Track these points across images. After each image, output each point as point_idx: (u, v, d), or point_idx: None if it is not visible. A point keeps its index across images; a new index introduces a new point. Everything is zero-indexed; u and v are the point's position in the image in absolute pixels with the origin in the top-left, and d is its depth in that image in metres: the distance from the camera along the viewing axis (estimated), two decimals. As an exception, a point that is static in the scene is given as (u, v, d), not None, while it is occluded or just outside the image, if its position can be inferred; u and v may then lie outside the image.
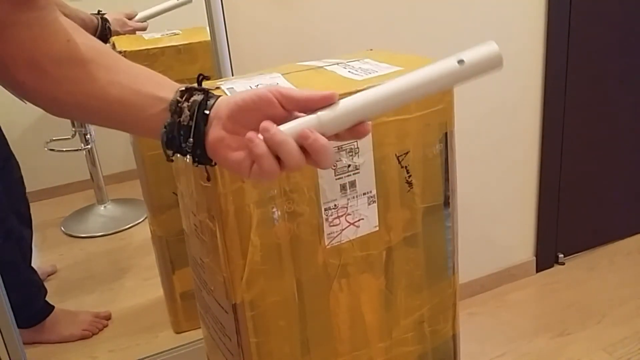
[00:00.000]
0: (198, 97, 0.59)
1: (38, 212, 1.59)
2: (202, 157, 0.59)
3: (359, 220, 0.96)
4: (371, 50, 1.17)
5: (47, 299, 1.57)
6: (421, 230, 1.04)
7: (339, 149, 0.91)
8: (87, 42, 0.60)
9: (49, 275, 1.70)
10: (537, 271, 2.04)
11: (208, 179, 0.83)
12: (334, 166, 0.92)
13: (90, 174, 1.69)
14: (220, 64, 1.30)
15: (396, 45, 1.52)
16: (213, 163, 0.60)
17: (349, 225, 0.96)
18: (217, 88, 0.89)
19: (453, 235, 1.09)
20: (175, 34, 1.48)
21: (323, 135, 0.55)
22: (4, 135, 1.43)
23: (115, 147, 1.69)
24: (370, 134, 0.93)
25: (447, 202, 1.05)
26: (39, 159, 1.60)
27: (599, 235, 2.14)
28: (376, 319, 1.04)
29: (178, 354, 1.48)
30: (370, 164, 0.95)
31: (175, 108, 0.58)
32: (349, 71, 0.97)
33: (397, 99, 0.57)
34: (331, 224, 0.94)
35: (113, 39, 1.40)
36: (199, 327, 1.21)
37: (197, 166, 0.61)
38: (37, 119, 1.57)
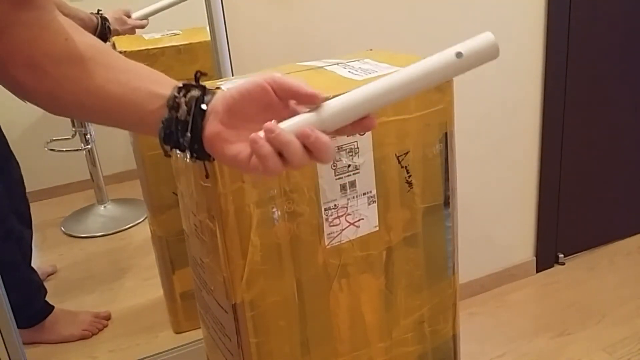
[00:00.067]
0: (195, 92, 0.59)
1: (38, 212, 1.59)
2: (200, 152, 0.59)
3: (359, 220, 0.96)
4: (371, 50, 1.17)
5: (47, 299, 1.57)
6: (421, 230, 1.04)
7: (339, 148, 0.91)
8: (86, 40, 0.60)
9: (48, 275, 1.70)
10: (537, 271, 2.04)
11: (207, 176, 0.83)
12: (334, 166, 0.92)
13: (90, 174, 1.69)
14: (220, 64, 1.30)
15: (396, 45, 1.52)
16: (211, 159, 0.60)
17: (349, 225, 0.96)
18: (218, 88, 0.89)
19: (453, 235, 1.09)
20: (175, 34, 1.48)
21: (324, 131, 0.55)
22: (4, 135, 1.43)
23: (115, 147, 1.69)
24: (370, 134, 0.93)
25: (447, 202, 1.05)
26: (39, 159, 1.60)
27: (599, 235, 2.14)
28: (376, 319, 1.04)
29: (178, 354, 1.48)
30: (370, 164, 0.95)
31: (173, 104, 0.58)
32: (349, 71, 0.97)
33: (395, 93, 0.57)
34: (331, 224, 0.94)
35: (113, 39, 1.41)
36: (199, 327, 1.21)
37: (195, 162, 0.61)
38: (37, 119, 1.57)
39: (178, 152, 0.61)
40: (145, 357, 1.47)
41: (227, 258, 0.88)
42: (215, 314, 1.02)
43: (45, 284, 1.62)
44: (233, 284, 0.90)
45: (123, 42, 1.41)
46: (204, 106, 0.58)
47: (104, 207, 1.76)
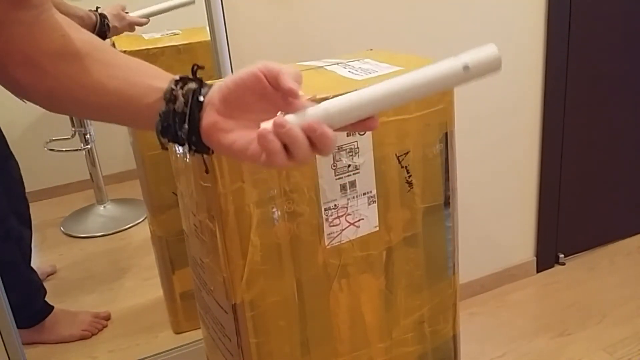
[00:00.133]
0: (192, 85, 0.59)
1: (38, 212, 1.59)
2: (197, 144, 0.59)
3: (359, 220, 0.96)
4: (371, 50, 1.17)
5: (46, 299, 1.57)
6: (421, 230, 1.04)
7: (339, 148, 0.91)
8: (82, 37, 0.60)
9: (48, 276, 1.70)
10: (538, 271, 2.03)
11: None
12: (334, 166, 0.92)
13: (90, 174, 1.69)
14: (220, 64, 1.30)
15: (396, 45, 1.52)
16: (210, 151, 0.60)
17: (349, 225, 0.96)
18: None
19: (453, 235, 1.09)
20: (175, 34, 1.48)
21: (329, 127, 0.55)
22: (3, 135, 1.43)
23: (115, 147, 1.69)
24: (370, 134, 0.93)
25: (447, 202, 1.05)
26: (39, 159, 1.59)
27: (599, 235, 2.14)
28: (376, 319, 1.04)
29: (178, 354, 1.48)
30: (370, 164, 0.94)
31: (170, 96, 0.58)
32: (349, 71, 0.97)
33: (402, 96, 0.57)
34: (331, 224, 0.94)
35: (113, 38, 1.40)
36: (199, 328, 1.21)
37: (193, 155, 0.61)
38: (37, 118, 1.57)
39: (177, 147, 0.61)
40: (145, 357, 1.47)
41: (227, 258, 0.88)
42: (215, 314, 1.02)
43: (45, 284, 1.61)
44: (233, 284, 0.89)
45: (123, 42, 1.41)
46: (201, 98, 0.58)
47: (104, 207, 1.76)
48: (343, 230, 0.95)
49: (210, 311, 1.05)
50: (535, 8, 1.71)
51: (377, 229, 0.98)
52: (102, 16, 1.35)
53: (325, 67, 1.01)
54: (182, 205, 1.07)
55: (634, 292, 1.90)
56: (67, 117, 1.55)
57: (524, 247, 2.00)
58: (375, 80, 0.91)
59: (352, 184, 0.94)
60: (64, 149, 1.59)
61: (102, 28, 1.35)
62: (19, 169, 1.50)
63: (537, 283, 2.00)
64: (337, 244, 0.95)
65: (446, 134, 1.01)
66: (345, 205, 0.94)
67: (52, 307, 1.56)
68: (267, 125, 0.54)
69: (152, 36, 1.46)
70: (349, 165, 0.93)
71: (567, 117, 1.88)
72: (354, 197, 0.94)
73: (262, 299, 0.92)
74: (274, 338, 0.95)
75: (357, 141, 0.92)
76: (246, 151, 0.56)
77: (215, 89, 0.58)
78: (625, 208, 2.16)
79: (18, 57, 0.57)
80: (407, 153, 0.98)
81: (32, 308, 1.54)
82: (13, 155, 1.48)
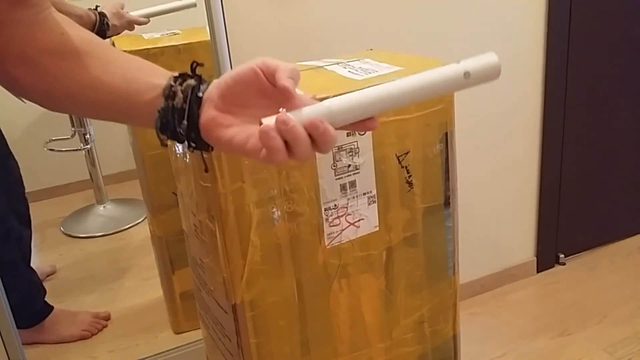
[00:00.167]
0: (191, 81, 0.59)
1: (37, 212, 1.59)
2: (197, 140, 0.59)
3: (359, 220, 0.96)
4: (371, 50, 1.17)
5: (46, 299, 1.57)
6: (421, 230, 1.04)
7: (339, 148, 0.91)
8: (81, 35, 0.60)
9: (48, 276, 1.70)
10: (538, 271, 2.03)
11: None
12: (334, 166, 0.91)
13: (90, 174, 1.69)
14: (220, 64, 1.30)
15: (396, 45, 1.52)
16: (210, 148, 0.60)
17: (349, 226, 0.95)
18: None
19: (453, 235, 1.09)
20: (175, 34, 1.48)
21: (331, 125, 0.55)
22: (3, 135, 1.43)
23: (115, 147, 1.69)
24: (370, 134, 0.93)
25: (447, 202, 1.05)
26: (39, 159, 1.59)
27: (600, 235, 2.14)
28: (376, 319, 1.04)
29: (178, 355, 1.48)
30: (371, 164, 0.94)
31: (169, 92, 0.58)
32: (349, 71, 0.97)
33: (403, 98, 0.58)
34: (331, 224, 0.94)
35: (113, 38, 1.40)
36: (199, 328, 1.21)
37: (193, 152, 0.61)
38: (37, 118, 1.57)
39: (177, 147, 0.61)
40: (145, 358, 1.47)
41: (227, 258, 0.88)
42: (215, 315, 1.02)
43: (45, 284, 1.61)
44: (233, 284, 0.89)
45: (123, 42, 1.41)
46: (199, 94, 0.58)
47: (104, 207, 1.76)
48: (343, 230, 0.95)
49: (210, 311, 1.05)
50: (535, 8, 1.71)
51: (377, 229, 0.98)
52: (102, 15, 1.35)
53: (325, 67, 1.01)
54: (182, 205, 1.06)
55: (634, 292, 1.90)
56: (67, 117, 1.55)
57: (524, 247, 2.00)
58: (375, 80, 0.91)
59: (352, 184, 0.94)
60: (63, 149, 1.59)
61: (101, 27, 1.35)
62: (18, 168, 1.50)
63: (537, 283, 2.00)
64: (337, 244, 0.95)
65: (446, 134, 1.01)
66: (345, 205, 0.94)
67: (52, 307, 1.56)
68: (269, 121, 0.54)
69: (152, 36, 1.46)
70: (349, 165, 0.92)
71: (567, 117, 1.88)
72: (354, 197, 0.94)
73: (262, 299, 0.92)
74: (274, 338, 0.95)
75: (357, 141, 0.92)
76: (245, 145, 0.55)
77: (214, 85, 0.58)
78: (625, 208, 2.16)
79: (17, 56, 0.57)
80: (407, 153, 0.98)
81: (32, 308, 1.54)
82: (12, 155, 1.48)
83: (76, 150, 1.60)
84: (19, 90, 0.60)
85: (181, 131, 0.58)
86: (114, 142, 1.67)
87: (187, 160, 0.94)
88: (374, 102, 0.57)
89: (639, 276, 1.98)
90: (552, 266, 2.06)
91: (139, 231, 1.72)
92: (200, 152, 0.63)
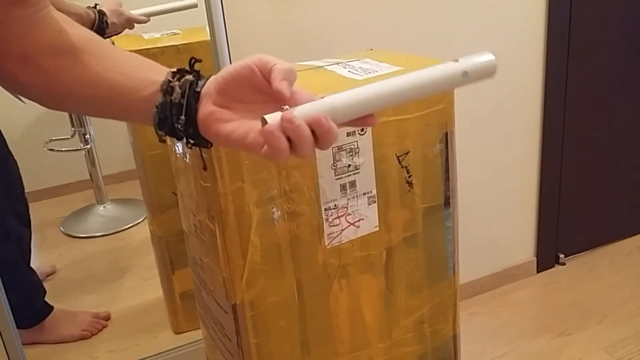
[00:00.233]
0: (189, 77, 0.59)
1: (37, 212, 1.59)
2: (195, 136, 0.59)
3: (359, 220, 0.96)
4: (371, 50, 1.17)
5: (46, 299, 1.57)
6: (421, 230, 1.04)
7: (339, 148, 0.91)
8: (79, 32, 0.60)
9: (48, 276, 1.69)
10: (538, 271, 2.03)
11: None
12: (334, 166, 0.91)
13: (90, 174, 1.69)
14: (220, 64, 1.30)
15: (396, 45, 1.52)
16: (209, 145, 0.60)
17: (349, 226, 0.95)
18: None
19: (453, 235, 1.08)
20: (175, 34, 1.48)
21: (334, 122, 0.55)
22: (2, 135, 1.43)
23: (115, 147, 1.69)
24: (370, 134, 0.93)
25: (447, 202, 1.05)
26: (39, 158, 1.59)
27: (600, 235, 2.14)
28: (376, 319, 1.04)
29: (178, 355, 1.48)
30: (371, 164, 0.94)
31: (167, 88, 0.58)
32: (349, 71, 0.97)
33: (403, 95, 0.58)
34: (331, 224, 0.94)
35: (113, 38, 1.40)
36: (199, 328, 1.21)
37: (191, 148, 0.61)
38: (37, 118, 1.57)
39: (177, 147, 0.60)
40: (145, 358, 1.47)
41: (227, 258, 0.88)
42: (215, 315, 1.02)
43: (45, 284, 1.61)
44: (233, 284, 0.89)
45: (123, 42, 1.41)
46: (197, 89, 0.58)
47: (104, 207, 1.76)
48: (343, 230, 0.95)
49: (210, 311, 1.05)
50: (535, 8, 1.71)
51: (377, 229, 0.98)
52: (101, 13, 1.35)
53: (325, 67, 1.01)
54: (182, 205, 1.06)
55: (634, 292, 1.90)
56: (67, 117, 1.55)
57: (524, 247, 2.00)
58: (375, 80, 0.91)
59: (352, 184, 0.94)
60: (63, 149, 1.59)
61: (100, 25, 1.35)
62: (18, 168, 1.50)
63: (537, 283, 2.00)
64: (337, 244, 0.95)
65: (446, 134, 1.01)
66: (345, 205, 0.94)
67: (51, 307, 1.56)
68: (272, 119, 0.53)
69: (151, 36, 1.46)
70: (349, 165, 0.92)
71: (567, 117, 1.88)
72: (354, 197, 0.94)
73: (262, 299, 0.92)
74: (274, 338, 0.95)
75: (357, 141, 0.92)
76: (245, 140, 0.55)
77: (211, 81, 0.58)
78: (625, 208, 2.16)
79: (16, 55, 0.57)
80: (407, 153, 0.98)
81: (31, 308, 1.54)
82: (12, 155, 1.48)
83: (76, 150, 1.60)
84: (18, 89, 0.60)
85: (179, 127, 0.58)
86: (114, 142, 1.67)
87: (187, 160, 0.94)
88: (375, 98, 0.57)
89: (639, 276, 1.98)
90: (552, 266, 2.06)
91: (139, 231, 1.72)
92: (199, 149, 0.62)
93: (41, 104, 0.61)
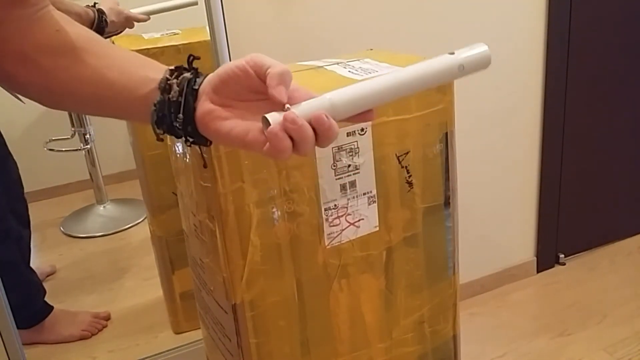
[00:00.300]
0: (187, 74, 0.59)
1: (37, 212, 1.59)
2: (194, 134, 0.59)
3: (359, 220, 0.96)
4: (371, 50, 1.17)
5: (46, 299, 1.57)
6: (421, 230, 1.04)
7: (339, 148, 0.91)
8: (77, 30, 0.60)
9: (48, 276, 1.69)
10: (538, 271, 2.03)
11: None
12: (334, 166, 0.91)
13: (90, 174, 1.69)
14: (220, 64, 1.30)
15: (396, 45, 1.52)
16: (207, 142, 0.60)
17: (349, 226, 0.95)
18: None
19: (453, 235, 1.08)
20: (175, 34, 1.48)
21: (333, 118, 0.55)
22: (1, 135, 1.43)
23: (115, 147, 1.69)
24: (370, 134, 0.93)
25: (447, 202, 1.05)
26: (38, 158, 1.59)
27: (600, 235, 2.14)
28: (376, 319, 1.04)
29: (178, 355, 1.48)
30: (371, 164, 0.94)
31: (165, 86, 0.58)
32: (349, 71, 0.97)
33: (401, 89, 0.59)
34: (331, 224, 0.94)
35: (113, 38, 1.40)
36: (199, 328, 1.21)
37: (190, 146, 0.61)
38: (37, 118, 1.57)
39: (176, 147, 0.60)
40: (145, 358, 1.47)
41: (227, 258, 0.88)
42: (215, 315, 1.02)
43: (45, 284, 1.61)
44: (233, 284, 0.89)
45: (123, 42, 1.41)
46: (195, 86, 0.58)
47: (104, 207, 1.76)
48: (343, 230, 0.95)
49: (210, 311, 1.05)
50: (535, 8, 1.71)
51: (377, 229, 0.98)
52: (100, 11, 1.35)
53: (325, 67, 1.01)
54: (182, 205, 1.06)
55: (634, 292, 1.90)
56: (67, 117, 1.55)
57: (524, 247, 2.00)
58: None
59: (352, 184, 0.94)
60: (63, 149, 1.59)
61: (100, 23, 1.35)
62: (17, 169, 1.50)
63: (537, 283, 2.00)
64: (337, 244, 0.95)
65: (446, 134, 1.01)
66: (345, 205, 0.94)
67: (51, 307, 1.56)
68: (273, 118, 0.53)
69: (151, 36, 1.46)
70: (349, 165, 0.92)
71: (567, 117, 1.88)
72: (354, 197, 0.94)
73: (262, 299, 0.92)
74: (274, 338, 0.95)
75: (357, 141, 0.92)
76: (245, 137, 0.55)
77: (208, 79, 0.58)
78: (625, 208, 2.16)
79: (14, 54, 0.57)
80: (407, 153, 0.98)
81: (31, 308, 1.54)
82: (11, 155, 1.48)
83: (76, 150, 1.60)
84: (17, 88, 0.60)
85: (177, 125, 0.58)
86: (114, 142, 1.67)
87: (187, 160, 0.94)
88: (373, 93, 0.58)
89: (639, 276, 1.98)
90: (552, 266, 2.06)
91: (139, 231, 1.72)
92: (199, 147, 0.62)
93: (41, 103, 0.61)
